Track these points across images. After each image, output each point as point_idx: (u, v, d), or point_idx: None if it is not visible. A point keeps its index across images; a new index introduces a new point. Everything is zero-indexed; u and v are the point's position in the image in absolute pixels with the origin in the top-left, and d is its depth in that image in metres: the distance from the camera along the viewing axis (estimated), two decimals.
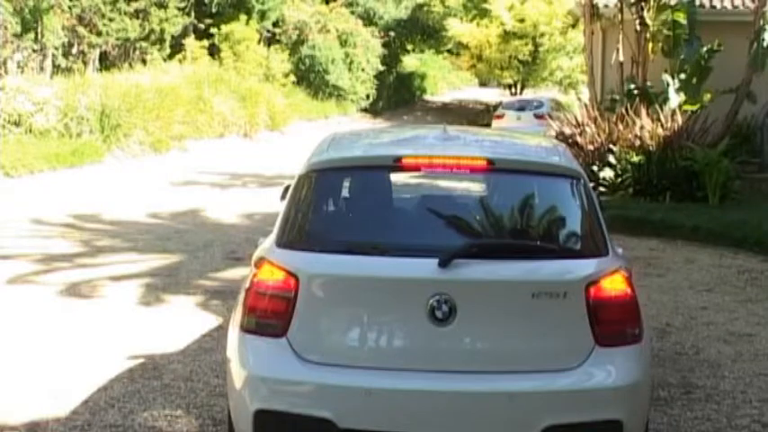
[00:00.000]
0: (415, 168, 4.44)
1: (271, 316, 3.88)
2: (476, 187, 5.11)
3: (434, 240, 4.06)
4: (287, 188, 4.64)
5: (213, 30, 32.40)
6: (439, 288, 3.79)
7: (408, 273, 3.85)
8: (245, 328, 3.96)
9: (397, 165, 4.34)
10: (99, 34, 26.95)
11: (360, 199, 4.53)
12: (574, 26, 29.02)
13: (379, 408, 3.77)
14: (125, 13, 27.74)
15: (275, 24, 35.69)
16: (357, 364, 3.87)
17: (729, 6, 18.18)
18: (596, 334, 3.85)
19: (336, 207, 4.47)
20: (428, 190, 5.42)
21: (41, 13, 24.42)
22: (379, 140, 5.35)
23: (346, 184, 4.54)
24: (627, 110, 15.05)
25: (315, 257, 3.97)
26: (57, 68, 25.49)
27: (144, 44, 28.80)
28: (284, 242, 4.07)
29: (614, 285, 3.94)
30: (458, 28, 37.53)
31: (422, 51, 48.23)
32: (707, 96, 15.69)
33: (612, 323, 3.92)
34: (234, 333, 4.08)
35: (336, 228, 4.35)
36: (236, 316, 4.10)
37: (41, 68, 24.75)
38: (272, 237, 4.19)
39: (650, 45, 16.29)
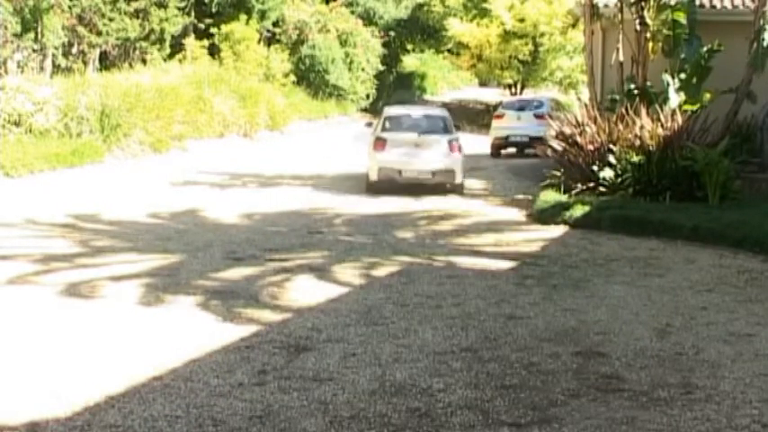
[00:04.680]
0: (408, 117, 18.72)
1: (379, 147, 17.11)
2: (424, 119, 18.69)
3: (416, 130, 17.66)
4: (368, 123, 21.01)
5: (213, 30, 32.39)
6: (418, 139, 17.33)
7: (412, 137, 17.36)
8: (375, 149, 17.12)
9: (405, 114, 19.20)
10: (99, 34, 26.92)
11: (399, 121, 18.25)
12: (574, 26, 28.89)
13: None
14: (125, 13, 27.70)
15: (275, 24, 35.68)
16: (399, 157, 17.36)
17: (729, 6, 18.17)
18: (450, 151, 17.16)
19: (391, 123, 18.06)
20: (413, 121, 18.43)
21: (41, 13, 24.39)
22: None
23: (394, 118, 18.47)
24: (627, 110, 15.03)
25: (389, 133, 17.48)
26: (57, 68, 25.45)
27: (144, 44, 28.77)
28: (381, 130, 17.72)
29: (453, 140, 17.35)
30: (458, 28, 37.49)
31: (422, 51, 48.17)
32: (707, 96, 15.69)
33: (453, 148, 17.17)
34: (371, 151, 17.35)
35: (391, 127, 17.82)
36: (371, 146, 17.45)
37: (41, 68, 24.71)
38: (378, 130, 17.83)
39: (650, 45, 16.29)
